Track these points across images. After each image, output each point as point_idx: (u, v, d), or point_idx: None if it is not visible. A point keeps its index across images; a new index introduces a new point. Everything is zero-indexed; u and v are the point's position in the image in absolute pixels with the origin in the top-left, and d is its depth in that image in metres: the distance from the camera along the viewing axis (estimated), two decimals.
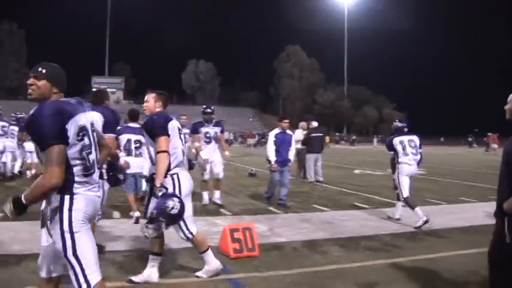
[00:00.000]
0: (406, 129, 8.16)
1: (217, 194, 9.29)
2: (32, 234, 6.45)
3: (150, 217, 4.17)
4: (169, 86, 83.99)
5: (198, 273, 4.85)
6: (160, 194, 4.24)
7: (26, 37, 79.49)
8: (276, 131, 9.47)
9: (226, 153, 9.78)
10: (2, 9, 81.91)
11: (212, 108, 9.78)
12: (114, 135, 5.58)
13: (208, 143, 9.29)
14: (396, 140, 8.06)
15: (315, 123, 15.27)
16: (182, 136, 4.84)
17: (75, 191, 2.94)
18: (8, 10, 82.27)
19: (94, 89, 73.99)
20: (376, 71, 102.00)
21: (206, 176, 9.35)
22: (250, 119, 78.06)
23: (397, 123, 8.29)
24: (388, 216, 8.30)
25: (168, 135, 4.51)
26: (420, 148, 8.15)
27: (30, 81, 3.03)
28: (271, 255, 5.78)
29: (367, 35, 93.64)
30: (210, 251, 4.86)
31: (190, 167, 10.50)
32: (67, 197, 2.92)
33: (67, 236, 2.91)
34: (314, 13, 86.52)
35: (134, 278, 4.66)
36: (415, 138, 8.14)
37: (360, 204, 9.66)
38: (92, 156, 3.08)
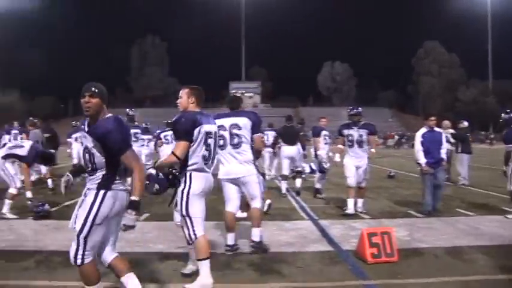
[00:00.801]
0: None
1: (359, 203, 8.70)
2: (175, 234, 6.80)
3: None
4: (304, 88, 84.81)
5: (187, 285, 4.47)
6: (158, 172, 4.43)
7: (167, 48, 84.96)
8: (423, 130, 8.69)
9: (372, 150, 8.78)
10: (147, 25, 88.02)
11: (358, 109, 8.78)
12: (261, 134, 6.30)
13: (350, 146, 8.58)
14: None
15: (465, 123, 14.34)
16: (211, 141, 4.69)
17: (112, 186, 3.70)
18: (151, 25, 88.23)
19: (231, 94, 77.19)
20: None
21: (350, 182, 8.58)
22: (390, 119, 75.72)
23: (505, 115, 8.35)
24: None
25: (190, 141, 4.49)
26: None
27: (86, 99, 3.68)
28: (411, 262, 5.49)
29: None
30: (207, 262, 4.44)
31: (322, 171, 10.44)
32: (102, 192, 3.67)
33: (91, 216, 3.63)
34: (452, 6, 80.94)
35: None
36: None
37: (509, 209, 8.84)
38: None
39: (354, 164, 8.56)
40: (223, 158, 5.80)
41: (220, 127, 5.57)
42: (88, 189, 3.75)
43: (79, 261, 3.67)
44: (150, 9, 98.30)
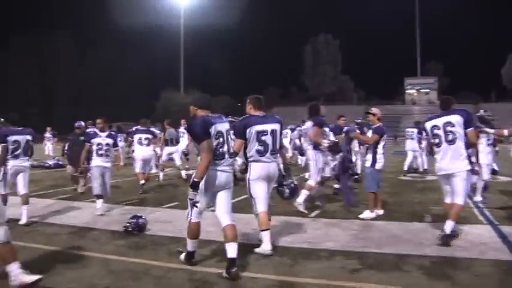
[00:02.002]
0: None
1: None
2: (344, 232, 6.73)
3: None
4: (486, 82, 77.89)
5: (256, 249, 5.63)
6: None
7: (340, 46, 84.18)
8: None
9: None
10: (319, 23, 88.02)
11: None
12: (474, 129, 6.44)
13: None
14: None
15: None
16: (265, 137, 5.74)
17: (210, 168, 4.85)
18: (323, 24, 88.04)
19: (407, 91, 73.88)
20: None
21: None
22: None
23: None
24: None
25: (243, 139, 5.70)
26: None
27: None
28: None
29: None
30: (267, 233, 5.60)
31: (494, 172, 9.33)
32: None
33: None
34: None
35: None
36: None
37: None
38: (223, 149, 5.00)
39: None
40: (439, 155, 6.23)
41: (434, 127, 6.24)
42: None
43: (189, 219, 5.03)
44: (322, 7, 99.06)
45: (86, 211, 8.67)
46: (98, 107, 58.57)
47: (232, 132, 5.45)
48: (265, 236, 5.61)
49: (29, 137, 7.83)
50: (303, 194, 8.11)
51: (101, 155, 8.48)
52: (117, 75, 74.86)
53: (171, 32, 68.88)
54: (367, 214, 7.56)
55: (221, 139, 4.99)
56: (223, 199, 5.07)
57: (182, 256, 5.27)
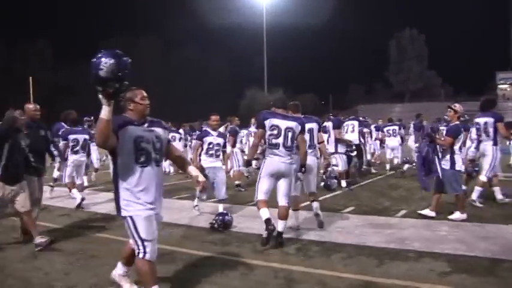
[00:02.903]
0: None
1: None
2: (432, 233, 6.50)
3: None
4: None
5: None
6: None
7: (426, 40, 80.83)
8: None
9: None
10: (403, 19, 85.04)
11: None
12: None
13: None
14: None
15: None
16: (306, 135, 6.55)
17: (266, 156, 5.94)
18: (408, 18, 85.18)
19: (499, 86, 69.53)
20: None
21: None
22: None
23: None
24: None
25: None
26: None
27: None
28: None
29: None
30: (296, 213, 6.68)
31: None
32: (264, 159, 5.99)
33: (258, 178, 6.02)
34: None
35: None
36: None
37: None
38: (276, 141, 5.86)
39: None
40: None
41: None
42: None
43: (255, 198, 5.95)
44: (405, 1, 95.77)
45: (173, 207, 8.87)
46: (184, 107, 60.24)
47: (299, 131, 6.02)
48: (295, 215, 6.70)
49: (86, 136, 9.65)
50: (477, 191, 8.32)
51: (211, 155, 8.04)
52: (202, 75, 76.19)
53: (254, 31, 69.25)
54: (457, 215, 7.24)
55: (275, 132, 5.86)
56: (281, 185, 5.93)
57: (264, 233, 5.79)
